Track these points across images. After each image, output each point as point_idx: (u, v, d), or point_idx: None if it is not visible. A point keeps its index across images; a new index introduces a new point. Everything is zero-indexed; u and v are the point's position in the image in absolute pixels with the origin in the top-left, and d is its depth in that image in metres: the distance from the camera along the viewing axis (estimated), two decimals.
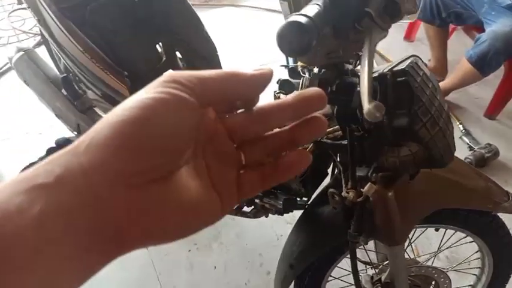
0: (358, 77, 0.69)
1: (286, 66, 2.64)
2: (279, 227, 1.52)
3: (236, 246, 1.49)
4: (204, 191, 0.24)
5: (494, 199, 0.88)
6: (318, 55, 0.65)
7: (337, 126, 0.72)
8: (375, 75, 0.69)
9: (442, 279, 1.03)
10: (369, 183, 0.68)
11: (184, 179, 0.23)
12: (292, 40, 0.46)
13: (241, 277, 1.40)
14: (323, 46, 0.57)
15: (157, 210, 0.21)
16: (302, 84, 0.66)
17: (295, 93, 0.26)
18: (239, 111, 0.26)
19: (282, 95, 0.71)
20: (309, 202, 0.95)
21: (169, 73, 0.22)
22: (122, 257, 0.21)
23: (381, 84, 0.68)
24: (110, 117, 0.20)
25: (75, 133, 1.35)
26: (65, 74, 1.26)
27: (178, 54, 1.38)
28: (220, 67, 1.27)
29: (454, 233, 1.00)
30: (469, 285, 1.11)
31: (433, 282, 1.04)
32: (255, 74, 0.24)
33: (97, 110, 1.38)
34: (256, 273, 1.41)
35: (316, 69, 0.69)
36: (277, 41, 0.44)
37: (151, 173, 0.21)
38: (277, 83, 0.69)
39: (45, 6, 1.00)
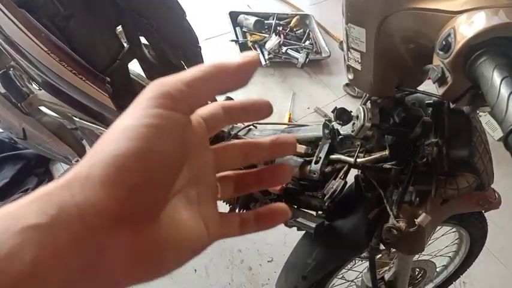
0: (421, 106, 0.66)
1: (236, 41, 2.47)
2: None
3: (214, 245, 1.41)
4: (195, 222, 0.23)
5: (488, 199, 0.96)
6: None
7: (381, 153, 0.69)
8: (430, 101, 0.67)
9: (430, 268, 1.12)
10: (423, 213, 0.67)
11: (177, 210, 0.22)
12: None
13: (224, 277, 1.36)
14: None
15: (157, 251, 0.20)
16: (364, 114, 0.60)
17: (272, 136, 0.27)
18: (228, 142, 0.27)
19: (336, 125, 0.65)
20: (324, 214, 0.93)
21: (156, 87, 0.20)
22: None
23: (436, 111, 0.66)
24: (103, 149, 0.18)
25: (21, 138, 1.10)
26: (3, 69, 1.00)
27: (142, 39, 1.18)
28: (201, 61, 1.12)
29: (441, 227, 1.08)
30: (443, 265, 1.23)
31: (422, 271, 1.13)
32: (242, 62, 0.22)
33: (42, 108, 1.14)
34: (238, 271, 1.38)
35: (374, 98, 0.64)
36: None
37: (151, 209, 0.20)
38: (333, 112, 0.62)
39: None
